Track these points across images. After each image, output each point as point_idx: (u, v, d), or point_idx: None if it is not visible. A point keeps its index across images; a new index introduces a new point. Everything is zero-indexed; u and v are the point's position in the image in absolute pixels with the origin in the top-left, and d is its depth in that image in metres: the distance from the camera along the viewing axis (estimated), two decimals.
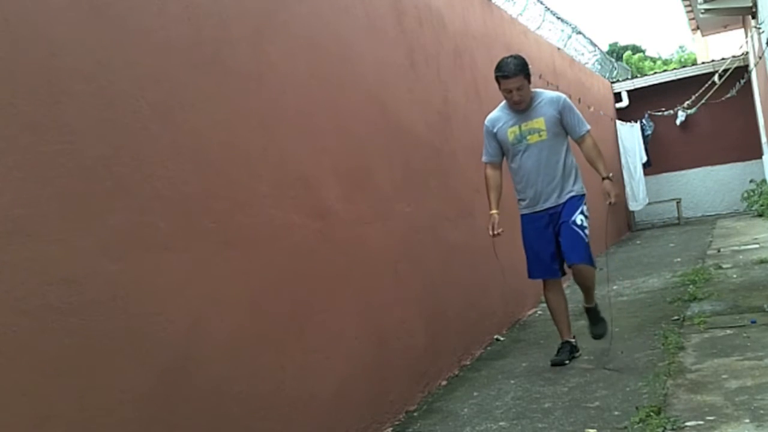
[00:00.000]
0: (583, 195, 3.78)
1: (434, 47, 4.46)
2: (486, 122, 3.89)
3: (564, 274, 3.86)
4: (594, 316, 3.89)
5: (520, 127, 3.73)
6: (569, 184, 3.75)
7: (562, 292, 3.90)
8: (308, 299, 2.81)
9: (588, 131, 3.78)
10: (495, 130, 3.82)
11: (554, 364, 3.71)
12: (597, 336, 3.86)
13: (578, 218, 3.67)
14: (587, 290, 3.83)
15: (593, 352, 3.85)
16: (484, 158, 3.91)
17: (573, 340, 3.86)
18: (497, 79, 3.71)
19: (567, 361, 3.72)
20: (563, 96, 3.82)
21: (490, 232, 3.75)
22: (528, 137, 3.71)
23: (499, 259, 3.96)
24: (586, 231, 3.68)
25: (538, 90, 3.86)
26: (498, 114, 3.86)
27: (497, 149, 3.86)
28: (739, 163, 11.00)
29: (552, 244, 3.75)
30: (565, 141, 3.79)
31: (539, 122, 3.70)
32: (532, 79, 3.78)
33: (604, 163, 3.78)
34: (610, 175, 3.73)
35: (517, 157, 3.78)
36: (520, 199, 3.87)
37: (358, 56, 3.51)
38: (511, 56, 3.72)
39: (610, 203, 3.66)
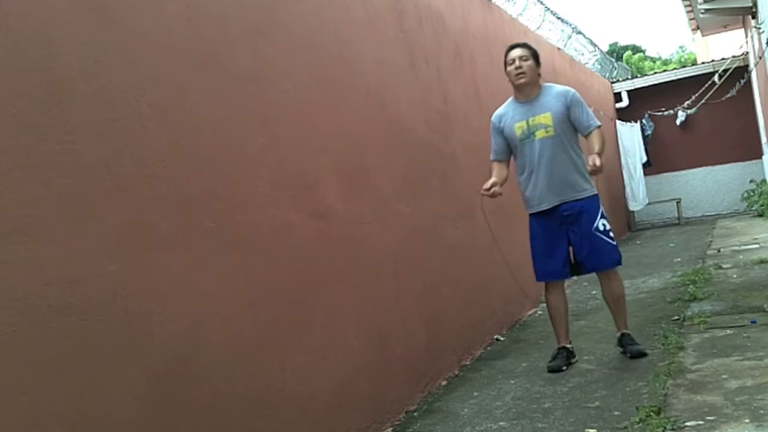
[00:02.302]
0: (597, 194, 3.65)
1: (434, 47, 4.46)
2: (492, 118, 3.78)
3: (573, 274, 3.72)
4: (631, 341, 3.65)
5: (527, 122, 3.61)
6: (579, 182, 3.60)
7: (564, 295, 3.79)
8: (308, 299, 2.81)
9: (598, 127, 3.60)
10: (501, 125, 3.71)
11: (551, 370, 3.59)
12: (637, 353, 3.57)
13: (600, 224, 3.56)
14: (619, 301, 3.68)
15: (593, 352, 3.85)
16: (491, 156, 3.81)
17: (570, 346, 3.74)
18: (505, 59, 3.66)
19: (564, 368, 3.61)
20: (572, 90, 3.69)
21: (484, 187, 3.53)
22: (536, 132, 3.58)
23: (498, 244, 3.80)
24: (611, 234, 3.58)
25: (547, 84, 3.75)
26: (504, 110, 3.76)
27: (504, 146, 3.74)
28: (739, 163, 11.01)
29: (565, 245, 3.62)
30: (573, 137, 3.65)
31: (546, 117, 3.57)
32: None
33: (602, 147, 3.52)
34: (602, 156, 3.47)
35: (523, 153, 3.65)
36: (526, 199, 3.72)
37: (358, 56, 3.50)
38: None
39: (590, 168, 3.45)
